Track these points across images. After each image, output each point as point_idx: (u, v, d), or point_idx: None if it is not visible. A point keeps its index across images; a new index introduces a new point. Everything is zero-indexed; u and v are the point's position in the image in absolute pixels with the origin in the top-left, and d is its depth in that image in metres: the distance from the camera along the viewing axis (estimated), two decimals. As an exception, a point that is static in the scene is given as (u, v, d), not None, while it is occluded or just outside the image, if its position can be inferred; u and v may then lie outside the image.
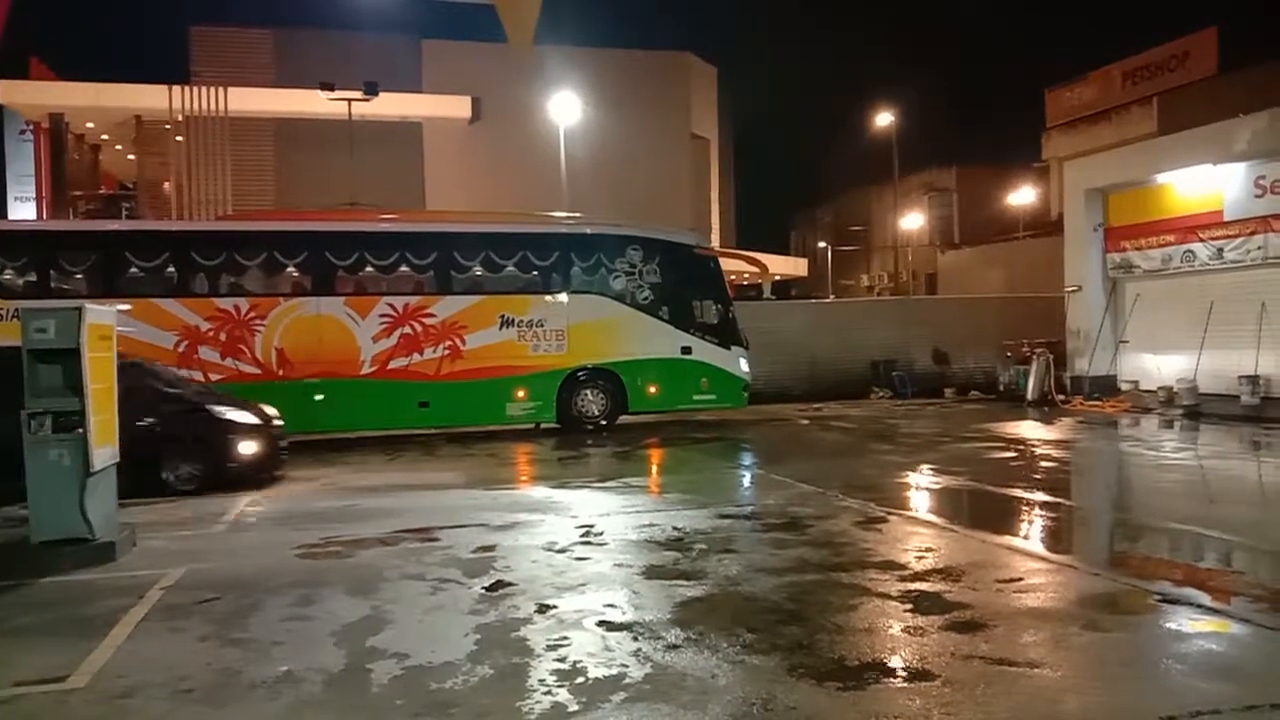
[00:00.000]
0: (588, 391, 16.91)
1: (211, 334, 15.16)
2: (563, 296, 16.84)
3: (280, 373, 15.35)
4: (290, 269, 16.30)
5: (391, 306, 15.91)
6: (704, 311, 17.52)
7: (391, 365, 15.82)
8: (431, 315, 16.02)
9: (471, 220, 18.61)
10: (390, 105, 29.68)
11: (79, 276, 15.36)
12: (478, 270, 16.84)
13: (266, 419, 12.06)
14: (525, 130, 31.71)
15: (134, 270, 15.55)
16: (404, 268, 16.57)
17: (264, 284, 16.08)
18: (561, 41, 29.91)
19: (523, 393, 16.46)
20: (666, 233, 18.47)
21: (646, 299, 17.09)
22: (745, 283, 33.01)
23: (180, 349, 14.98)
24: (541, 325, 16.51)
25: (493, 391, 16.30)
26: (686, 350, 17.13)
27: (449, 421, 16.64)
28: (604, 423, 16.91)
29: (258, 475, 11.77)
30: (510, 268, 16.90)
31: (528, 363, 16.42)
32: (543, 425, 17.14)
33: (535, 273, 16.95)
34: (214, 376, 15.04)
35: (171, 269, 15.59)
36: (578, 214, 19.48)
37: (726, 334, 17.46)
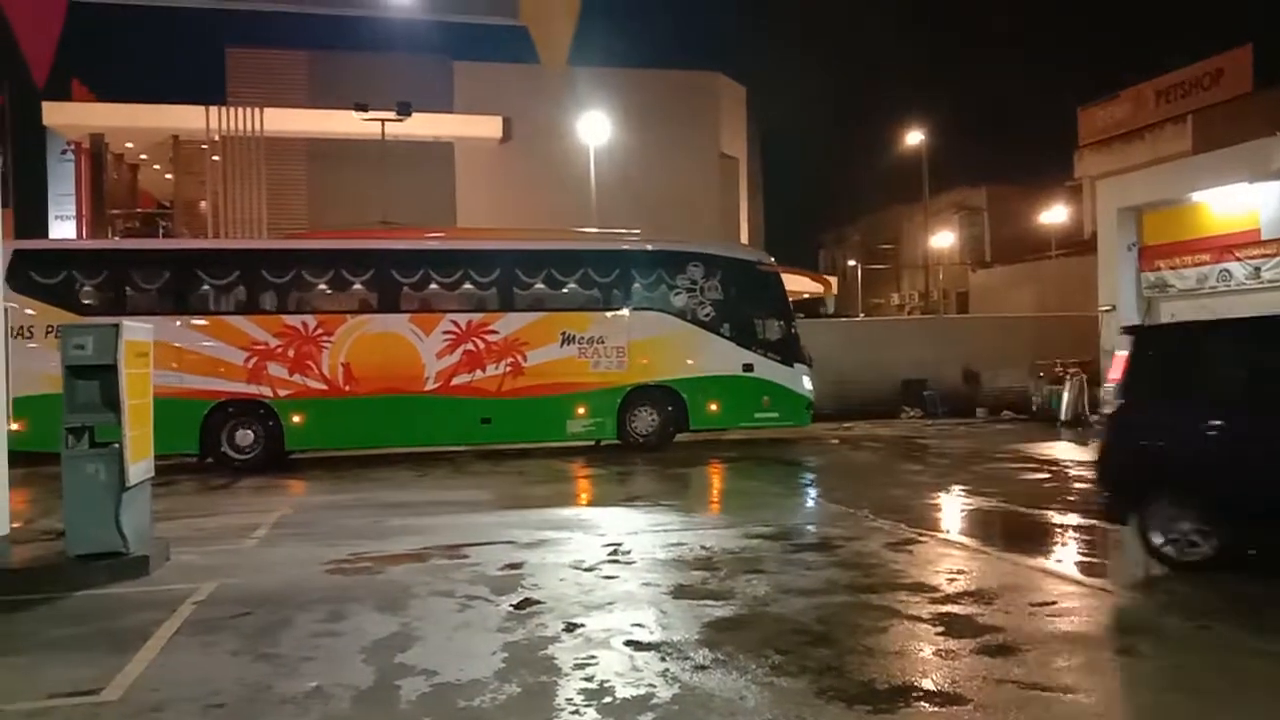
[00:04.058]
0: (648, 409, 16.80)
1: (280, 350, 15.39)
2: (624, 313, 16.80)
3: (346, 389, 15.53)
4: (357, 286, 16.46)
5: (455, 323, 16.01)
6: (766, 328, 17.42)
7: (455, 381, 15.91)
8: (494, 332, 16.09)
9: (534, 238, 18.67)
10: (422, 125, 29.96)
11: (153, 294, 15.68)
12: (540, 287, 16.88)
13: None
14: (556, 150, 31.88)
15: (206, 287, 15.89)
16: (467, 285, 16.64)
17: (331, 301, 16.32)
18: (591, 62, 30.03)
19: (583, 410, 16.43)
20: (729, 249, 18.45)
21: (708, 316, 16.99)
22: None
23: (250, 364, 15.25)
24: (602, 342, 16.48)
25: (554, 408, 16.29)
26: (748, 368, 16.99)
27: (511, 438, 16.69)
28: (664, 440, 16.80)
29: None
30: (572, 285, 16.95)
31: (588, 380, 16.40)
32: (603, 443, 17.03)
33: (596, 289, 16.94)
34: (282, 392, 15.30)
35: (242, 286, 15.88)
36: (637, 230, 19.38)
37: (789, 351, 17.34)
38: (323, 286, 16.35)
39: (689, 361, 16.84)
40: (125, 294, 15.55)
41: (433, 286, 16.52)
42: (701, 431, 17.38)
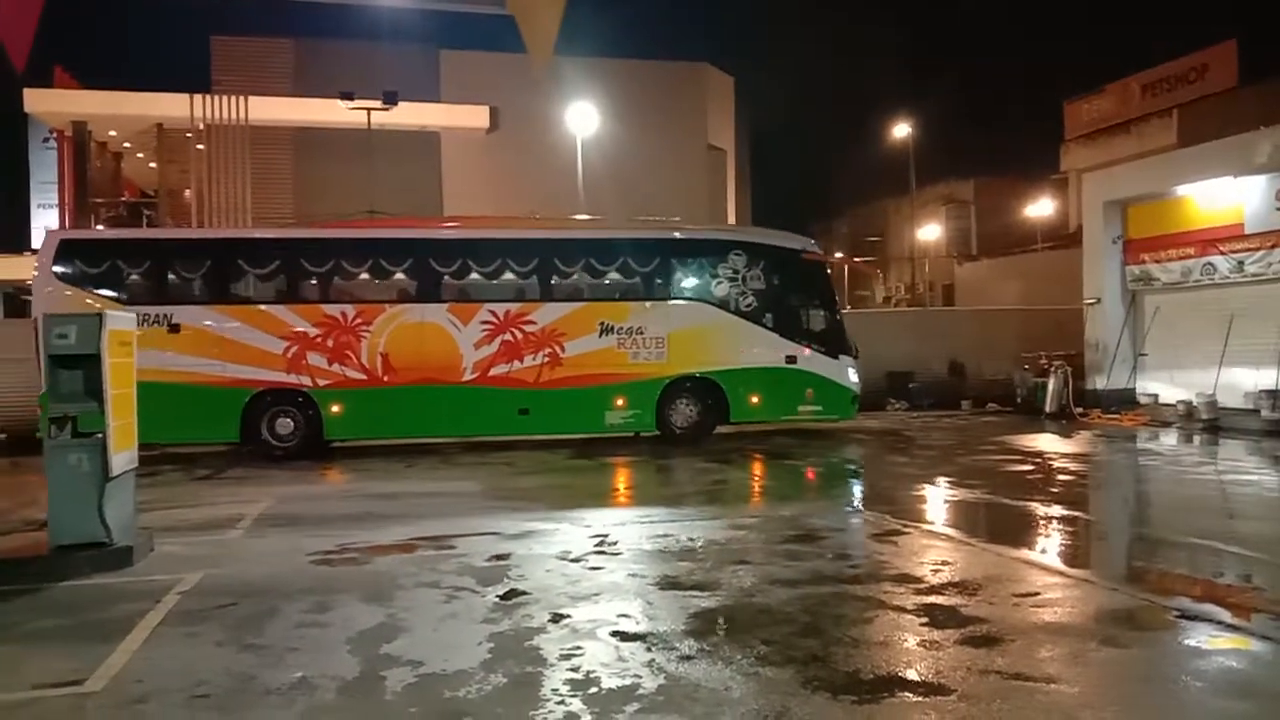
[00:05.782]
0: (687, 401, 16.59)
1: (320, 340, 15.37)
2: (663, 303, 16.56)
3: (385, 379, 15.50)
4: (396, 275, 16.41)
5: (493, 313, 15.89)
6: (810, 319, 17.11)
7: (492, 372, 15.82)
8: (532, 322, 15.95)
9: (573, 226, 18.51)
10: (408, 115, 29.88)
11: (197, 282, 15.78)
12: (578, 277, 16.71)
13: None
14: (542, 140, 31.84)
15: (248, 276, 15.90)
16: (506, 274, 16.48)
17: (370, 290, 16.28)
18: (579, 52, 29.99)
19: (622, 401, 16.23)
20: (772, 236, 17.98)
21: (750, 306, 16.70)
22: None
23: (289, 354, 15.26)
24: (641, 333, 16.24)
25: (592, 399, 16.12)
26: (791, 359, 16.71)
27: (549, 429, 16.52)
28: (703, 433, 16.61)
29: None
30: (611, 274, 16.74)
31: (627, 371, 16.19)
32: (642, 435, 16.85)
33: (636, 279, 16.71)
34: (321, 382, 15.32)
35: (283, 275, 15.83)
36: (677, 218, 19.12)
37: (834, 342, 17.10)
38: (363, 276, 16.32)
39: (730, 353, 16.54)
40: (169, 282, 15.64)
41: (471, 276, 16.41)
42: (742, 424, 17.23)
